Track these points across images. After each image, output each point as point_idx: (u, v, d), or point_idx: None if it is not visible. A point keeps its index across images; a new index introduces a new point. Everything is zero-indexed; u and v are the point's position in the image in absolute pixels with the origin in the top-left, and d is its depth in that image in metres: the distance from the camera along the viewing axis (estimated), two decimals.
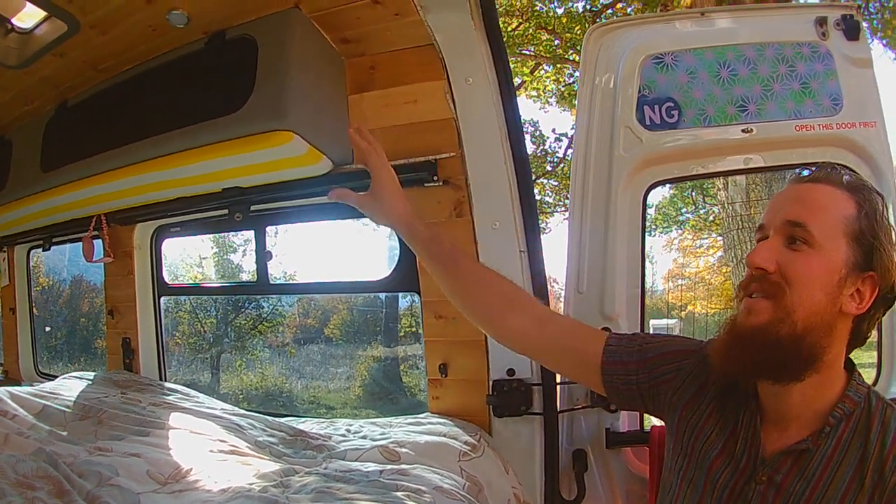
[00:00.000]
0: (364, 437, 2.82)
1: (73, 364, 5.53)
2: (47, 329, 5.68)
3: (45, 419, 2.77)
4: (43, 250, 4.51)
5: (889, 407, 1.66)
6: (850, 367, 1.76)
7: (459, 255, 2.18)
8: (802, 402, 1.70)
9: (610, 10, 14.57)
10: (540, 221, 2.88)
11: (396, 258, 3.14)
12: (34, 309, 5.08)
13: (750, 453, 1.77)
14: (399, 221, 2.17)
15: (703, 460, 1.86)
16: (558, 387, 2.79)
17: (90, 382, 3.45)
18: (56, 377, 3.79)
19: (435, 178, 2.81)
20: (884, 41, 12.90)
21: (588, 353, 2.06)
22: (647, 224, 3.01)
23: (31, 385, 3.38)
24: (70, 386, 3.32)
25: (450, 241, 2.19)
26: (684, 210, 20.59)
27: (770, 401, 1.78)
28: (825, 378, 1.68)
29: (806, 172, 1.81)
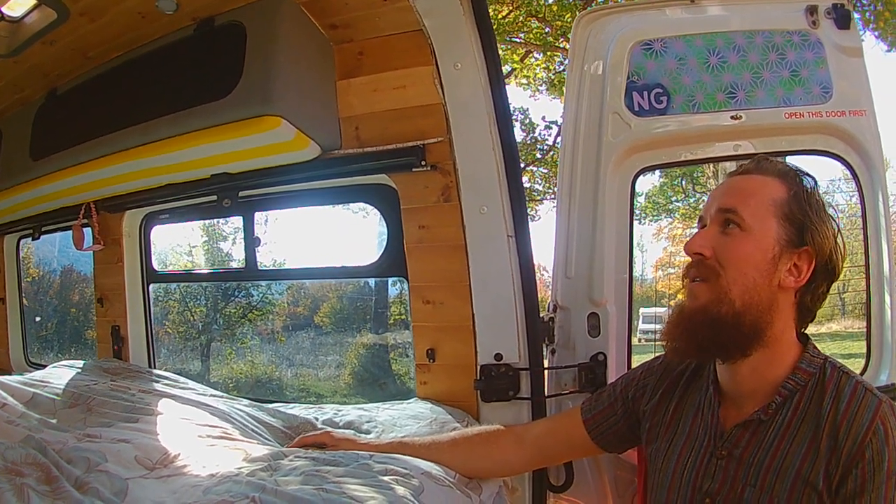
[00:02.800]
0: (350, 424, 2.83)
1: (64, 354, 5.50)
2: (37, 319, 5.67)
3: (34, 407, 2.76)
4: (32, 239, 4.49)
5: (844, 375, 1.74)
6: (804, 340, 1.84)
7: (447, 443, 2.34)
8: (754, 377, 1.79)
9: None
10: (529, 209, 2.89)
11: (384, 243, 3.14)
12: (24, 299, 5.07)
13: (710, 432, 1.87)
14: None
15: (672, 451, 1.96)
16: (546, 372, 2.79)
17: (80, 371, 3.43)
18: (46, 367, 3.77)
19: (423, 162, 2.81)
20: (875, 33, 12.93)
21: (572, 433, 2.24)
22: (637, 212, 3.02)
23: (22, 375, 3.37)
24: (60, 374, 3.30)
25: (429, 439, 2.38)
26: (674, 199, 20.64)
27: (726, 380, 1.89)
28: (774, 352, 1.77)
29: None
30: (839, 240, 1.82)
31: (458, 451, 2.27)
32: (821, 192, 1.85)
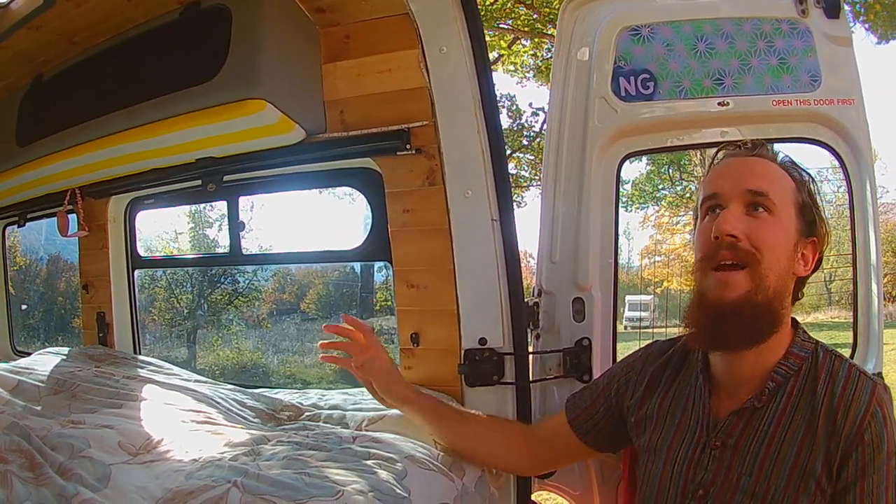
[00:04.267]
0: (335, 407, 2.82)
1: (51, 342, 5.49)
2: (24, 307, 5.66)
3: (19, 394, 2.75)
4: (18, 227, 4.46)
5: (837, 358, 1.75)
6: (794, 324, 1.86)
7: (461, 413, 2.44)
8: (756, 362, 1.79)
9: None
10: (515, 195, 2.88)
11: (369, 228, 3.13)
12: (10, 288, 5.05)
13: (702, 423, 1.86)
14: (400, 401, 2.41)
15: (662, 444, 1.96)
16: (531, 356, 2.79)
17: (65, 357, 3.44)
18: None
19: (408, 146, 2.80)
20: (866, 25, 12.95)
21: (559, 431, 2.27)
22: (623, 200, 3.02)
23: (8, 363, 3.36)
24: (44, 361, 3.29)
25: (449, 405, 2.47)
26: (661, 186, 20.67)
27: (722, 370, 1.90)
28: (778, 337, 1.78)
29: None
30: None
31: (482, 436, 2.36)
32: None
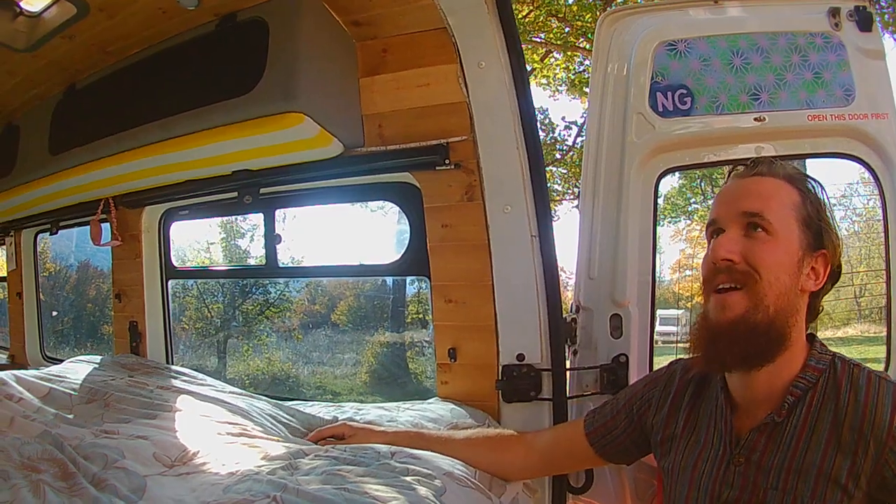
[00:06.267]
0: (371, 423, 2.79)
1: (80, 349, 5.51)
2: (54, 314, 5.68)
3: (51, 402, 2.75)
4: (50, 234, 4.50)
5: (856, 367, 1.75)
6: (810, 338, 1.85)
7: (440, 438, 2.43)
8: (770, 381, 1.79)
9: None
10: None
11: (406, 242, 3.12)
12: (41, 294, 5.08)
13: (725, 440, 1.86)
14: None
15: (687, 464, 1.95)
16: (567, 372, 2.78)
17: (97, 366, 3.43)
18: (63, 362, 3.77)
19: (447, 161, 2.80)
20: (895, 35, 12.88)
21: (576, 446, 2.27)
22: (657, 213, 3.00)
23: (38, 369, 3.37)
24: (76, 370, 3.30)
25: (427, 433, 2.49)
26: (693, 200, 20.52)
27: (738, 388, 1.89)
28: (790, 354, 1.78)
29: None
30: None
31: (470, 451, 2.31)
32: (829, 195, 1.88)
